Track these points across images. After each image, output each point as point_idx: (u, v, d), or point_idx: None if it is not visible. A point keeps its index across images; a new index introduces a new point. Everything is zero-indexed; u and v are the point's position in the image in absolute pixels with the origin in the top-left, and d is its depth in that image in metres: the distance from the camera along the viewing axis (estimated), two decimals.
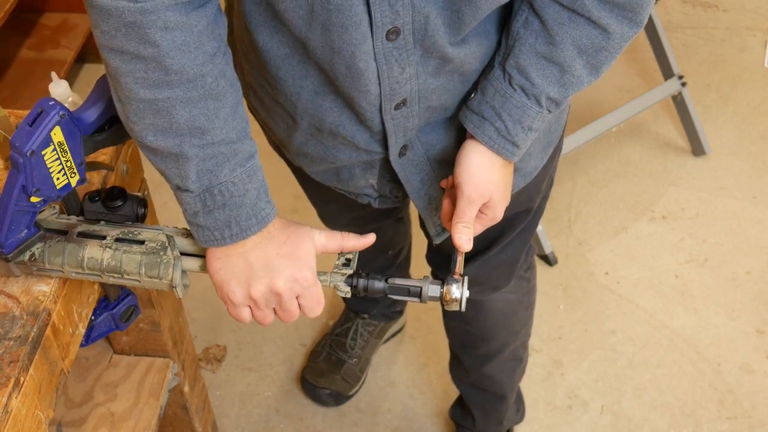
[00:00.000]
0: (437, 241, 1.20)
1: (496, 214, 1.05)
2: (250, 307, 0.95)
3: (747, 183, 2.35)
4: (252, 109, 1.17)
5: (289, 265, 0.92)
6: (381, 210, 1.23)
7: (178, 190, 0.91)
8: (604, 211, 2.29)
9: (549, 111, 0.98)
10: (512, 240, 1.30)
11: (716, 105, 2.58)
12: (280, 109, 1.06)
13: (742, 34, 2.84)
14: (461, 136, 1.06)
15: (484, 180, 1.00)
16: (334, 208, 1.44)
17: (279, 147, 1.21)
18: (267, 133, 1.21)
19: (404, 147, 1.07)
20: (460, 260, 1.00)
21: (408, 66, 0.94)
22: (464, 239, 1.00)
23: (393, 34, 0.90)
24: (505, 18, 0.98)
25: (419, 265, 1.98)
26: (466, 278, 0.96)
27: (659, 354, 1.97)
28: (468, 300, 1.41)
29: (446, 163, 1.08)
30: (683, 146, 2.45)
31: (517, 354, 1.61)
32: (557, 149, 1.22)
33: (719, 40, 2.82)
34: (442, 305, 0.97)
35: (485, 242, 1.29)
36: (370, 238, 0.98)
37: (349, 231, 0.98)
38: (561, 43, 0.93)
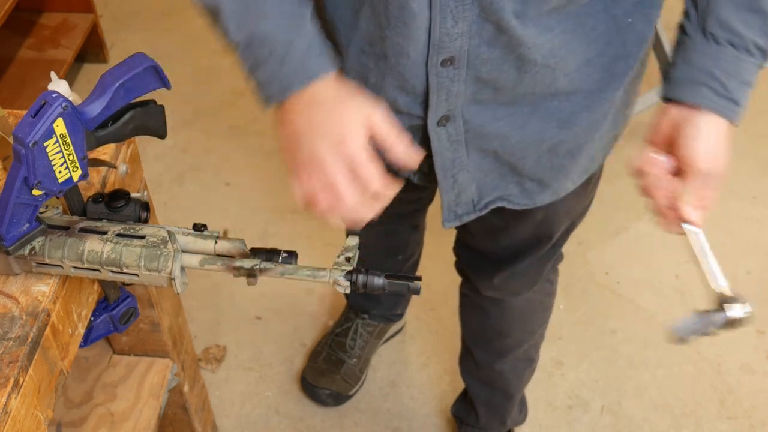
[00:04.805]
0: (446, 226, 1.18)
1: (716, 189, 1.03)
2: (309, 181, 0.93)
3: (747, 183, 2.35)
4: None
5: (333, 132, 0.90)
6: (400, 211, 1.21)
7: (229, 47, 0.92)
8: (604, 211, 2.29)
9: (758, 62, 0.97)
10: (543, 254, 1.32)
11: None
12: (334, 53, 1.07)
13: None
14: (508, 132, 1.04)
15: (716, 152, 0.98)
16: None
17: None
18: None
19: (445, 117, 1.03)
20: None
21: (462, 21, 0.91)
22: (700, 216, 1.02)
23: None
24: (622, 39, 1.00)
25: (421, 266, 1.98)
26: None
27: (659, 354, 1.97)
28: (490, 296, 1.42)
29: (483, 153, 1.06)
30: None
31: (530, 354, 1.61)
32: (595, 176, 1.22)
33: None
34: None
35: (514, 253, 1.30)
36: (417, 157, 0.94)
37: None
38: None
